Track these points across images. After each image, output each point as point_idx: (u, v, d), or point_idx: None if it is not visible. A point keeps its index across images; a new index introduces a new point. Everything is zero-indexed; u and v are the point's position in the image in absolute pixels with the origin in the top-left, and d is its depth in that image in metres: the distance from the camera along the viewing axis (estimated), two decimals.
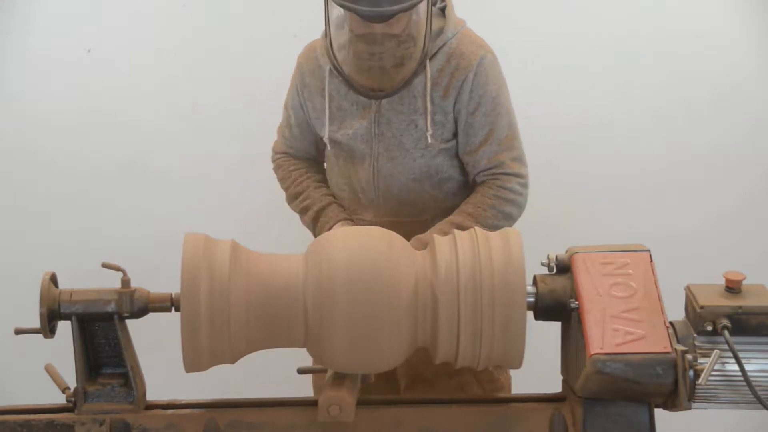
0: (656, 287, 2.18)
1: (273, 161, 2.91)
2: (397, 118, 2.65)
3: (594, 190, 3.61)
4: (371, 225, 2.66)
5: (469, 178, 2.72)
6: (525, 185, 2.68)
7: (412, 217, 2.70)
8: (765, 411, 2.11)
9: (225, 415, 2.27)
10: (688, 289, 2.21)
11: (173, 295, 2.24)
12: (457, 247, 2.20)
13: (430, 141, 2.64)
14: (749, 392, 2.09)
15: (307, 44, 2.78)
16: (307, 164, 2.86)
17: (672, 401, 2.13)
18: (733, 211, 3.60)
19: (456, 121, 2.65)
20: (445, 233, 2.52)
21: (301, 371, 2.42)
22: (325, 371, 2.35)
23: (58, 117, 3.59)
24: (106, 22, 3.57)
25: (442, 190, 2.70)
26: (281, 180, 2.88)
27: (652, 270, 2.21)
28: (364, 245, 2.19)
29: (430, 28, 2.58)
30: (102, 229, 3.59)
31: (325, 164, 2.88)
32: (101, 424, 2.24)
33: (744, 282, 2.17)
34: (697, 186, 3.61)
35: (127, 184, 3.60)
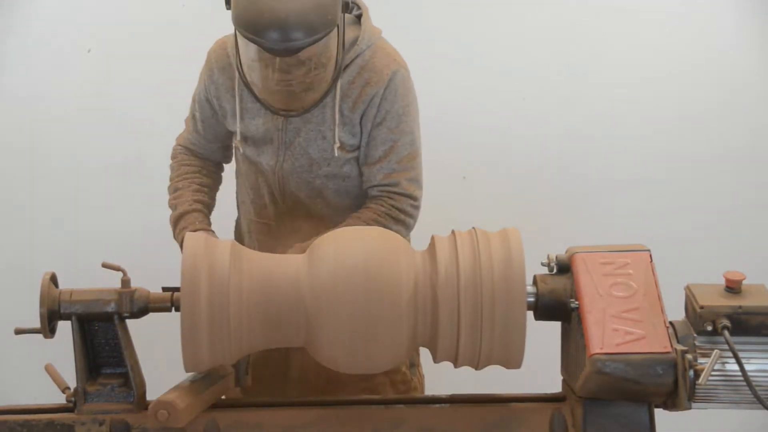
0: (656, 287, 2.18)
1: (172, 150, 2.83)
2: (305, 127, 2.61)
3: (594, 191, 3.61)
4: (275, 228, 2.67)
5: (363, 189, 2.67)
6: (417, 207, 2.64)
7: (316, 223, 2.64)
8: (765, 411, 2.11)
9: (225, 416, 2.27)
10: (688, 289, 2.21)
11: (173, 295, 2.24)
12: (457, 246, 2.20)
13: (337, 154, 2.60)
14: (749, 392, 2.09)
15: (218, 39, 2.71)
16: (201, 164, 2.79)
17: (672, 401, 2.13)
18: (733, 210, 3.60)
19: (361, 132, 2.61)
20: None
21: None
22: None
23: (57, 117, 3.59)
24: (106, 22, 3.57)
25: (349, 197, 2.66)
26: (171, 170, 2.80)
27: (652, 270, 2.21)
28: (364, 245, 2.19)
29: (342, 51, 2.51)
30: (102, 229, 3.59)
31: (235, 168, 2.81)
32: (101, 424, 2.24)
33: (744, 282, 2.17)
34: (698, 186, 3.61)
35: (127, 184, 3.60)
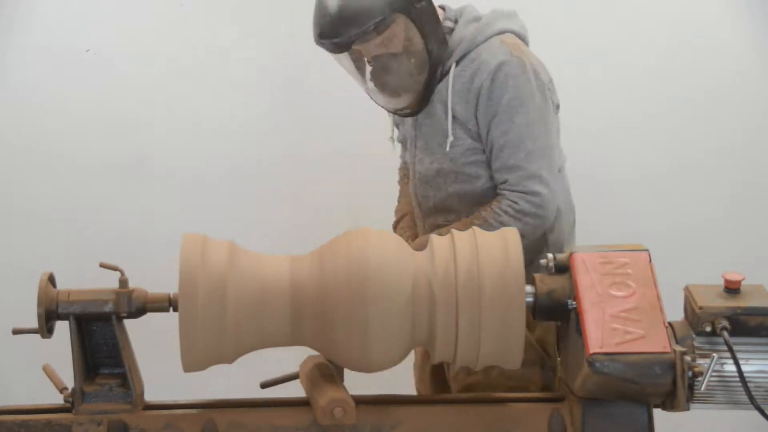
0: (655, 287, 2.17)
1: None
2: (428, 121, 2.67)
3: (593, 191, 3.60)
4: (421, 230, 2.76)
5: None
6: (538, 205, 2.57)
7: (449, 220, 2.69)
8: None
9: (223, 416, 2.26)
10: (686, 289, 2.20)
11: (171, 295, 2.24)
12: (455, 246, 2.20)
13: (449, 148, 2.62)
14: None
15: None
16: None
17: (670, 402, 2.12)
18: (733, 211, 3.60)
19: (479, 127, 2.61)
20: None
21: (264, 385, 2.42)
22: (289, 380, 2.37)
23: (57, 117, 3.59)
24: (104, 22, 3.57)
25: (474, 193, 2.67)
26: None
27: (651, 270, 2.20)
28: (362, 245, 2.19)
29: (435, 43, 2.56)
30: (100, 229, 3.59)
31: None
32: (99, 425, 2.24)
33: (743, 282, 2.17)
34: (697, 186, 3.61)
35: (125, 184, 3.60)
